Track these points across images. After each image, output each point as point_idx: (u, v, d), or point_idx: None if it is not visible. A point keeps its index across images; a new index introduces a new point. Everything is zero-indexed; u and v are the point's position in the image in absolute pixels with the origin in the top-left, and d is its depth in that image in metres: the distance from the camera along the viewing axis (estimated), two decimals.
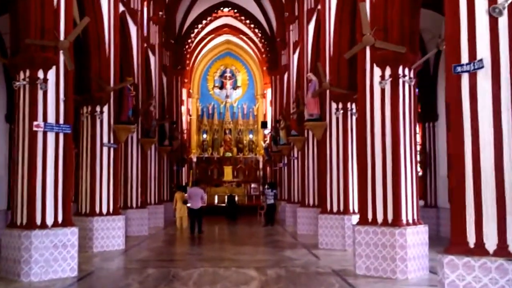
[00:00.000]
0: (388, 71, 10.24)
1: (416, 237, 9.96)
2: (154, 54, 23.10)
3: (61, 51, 10.23)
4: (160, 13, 24.55)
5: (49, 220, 10.06)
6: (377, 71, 10.40)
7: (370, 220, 10.27)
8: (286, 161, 24.99)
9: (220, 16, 34.43)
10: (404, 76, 10.28)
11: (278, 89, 30.25)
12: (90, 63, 14.20)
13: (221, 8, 33.16)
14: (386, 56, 10.16)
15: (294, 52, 23.44)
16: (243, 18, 33.48)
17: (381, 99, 10.30)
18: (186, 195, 20.39)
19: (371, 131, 10.42)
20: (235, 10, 33.12)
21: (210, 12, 33.12)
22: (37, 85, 9.95)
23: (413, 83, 10.50)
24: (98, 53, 14.29)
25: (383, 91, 10.27)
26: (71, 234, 10.28)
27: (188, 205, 19.46)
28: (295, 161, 21.85)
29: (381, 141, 10.24)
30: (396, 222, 9.87)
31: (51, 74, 10.23)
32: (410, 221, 10.07)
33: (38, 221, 9.91)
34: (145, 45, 20.78)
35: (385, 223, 10.02)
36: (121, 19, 16.66)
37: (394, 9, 10.07)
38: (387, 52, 10.11)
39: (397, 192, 9.96)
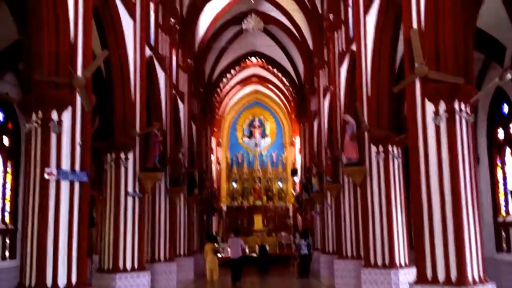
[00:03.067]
0: (442, 106, 9.10)
1: None
2: (183, 102, 22.76)
3: (77, 89, 9.21)
4: (189, 60, 24.17)
5: (61, 282, 8.84)
6: (430, 106, 9.28)
7: (430, 278, 8.91)
8: (318, 209, 23.71)
9: (248, 66, 34.84)
10: (461, 111, 9.08)
11: (307, 136, 29.76)
12: (113, 106, 13.36)
13: (249, 57, 33.42)
14: (440, 89, 9.03)
15: (324, 97, 22.68)
16: (270, 67, 33.83)
17: (435, 139, 9.14)
18: (217, 246, 20.41)
19: (426, 174, 9.25)
20: (262, 60, 33.32)
21: (238, 62, 33.42)
22: (50, 128, 8.90)
23: (471, 120, 9.27)
24: (123, 95, 13.48)
25: (437, 129, 9.11)
26: None
27: (229, 255, 20.12)
28: (329, 208, 20.76)
29: (438, 186, 9.05)
30: (462, 280, 8.54)
31: (66, 115, 9.21)
32: (477, 278, 8.71)
33: (49, 282, 8.69)
34: (174, 91, 20.14)
35: (448, 281, 8.69)
36: (149, 64, 16.08)
37: (447, 36, 8.98)
38: (440, 84, 8.99)
39: (460, 244, 8.67)
